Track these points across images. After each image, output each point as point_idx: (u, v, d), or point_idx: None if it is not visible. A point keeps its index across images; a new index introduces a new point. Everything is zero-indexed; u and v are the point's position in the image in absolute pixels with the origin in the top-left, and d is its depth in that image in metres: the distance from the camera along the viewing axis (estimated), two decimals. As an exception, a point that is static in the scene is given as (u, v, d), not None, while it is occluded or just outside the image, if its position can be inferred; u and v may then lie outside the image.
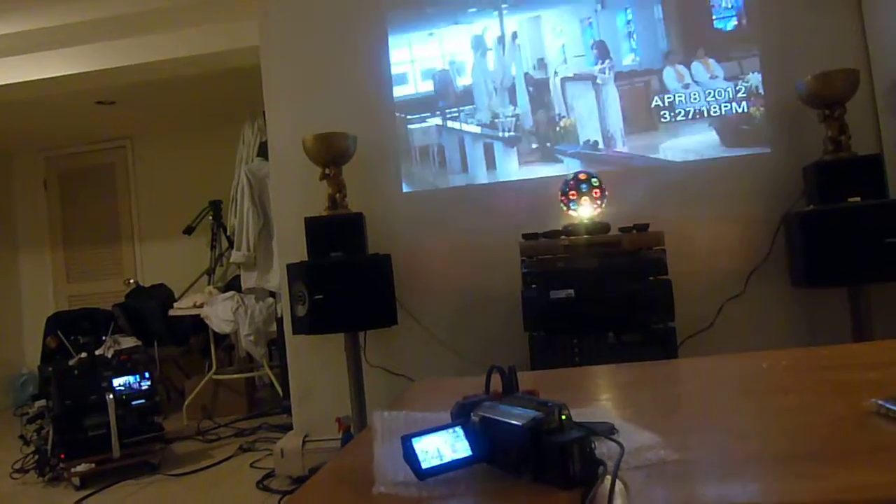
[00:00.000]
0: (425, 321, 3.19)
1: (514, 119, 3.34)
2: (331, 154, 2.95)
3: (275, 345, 4.61)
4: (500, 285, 3.06)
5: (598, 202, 2.75)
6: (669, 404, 1.29)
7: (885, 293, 2.76)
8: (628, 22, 3.31)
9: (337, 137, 2.97)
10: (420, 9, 3.40)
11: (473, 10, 3.40)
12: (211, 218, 5.26)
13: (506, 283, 2.99)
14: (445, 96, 3.41)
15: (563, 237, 2.65)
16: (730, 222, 3.04)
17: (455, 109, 3.39)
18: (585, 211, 2.74)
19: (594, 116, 3.29)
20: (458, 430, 0.95)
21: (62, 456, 3.30)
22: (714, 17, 3.26)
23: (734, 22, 3.26)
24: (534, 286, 2.60)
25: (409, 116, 3.40)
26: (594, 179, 2.77)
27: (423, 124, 3.39)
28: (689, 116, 3.19)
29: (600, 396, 1.35)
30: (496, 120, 3.35)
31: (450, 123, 3.39)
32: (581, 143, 3.27)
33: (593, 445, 0.87)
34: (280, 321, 4.37)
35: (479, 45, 3.40)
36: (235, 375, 4.69)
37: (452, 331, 3.17)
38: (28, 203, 6.36)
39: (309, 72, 3.39)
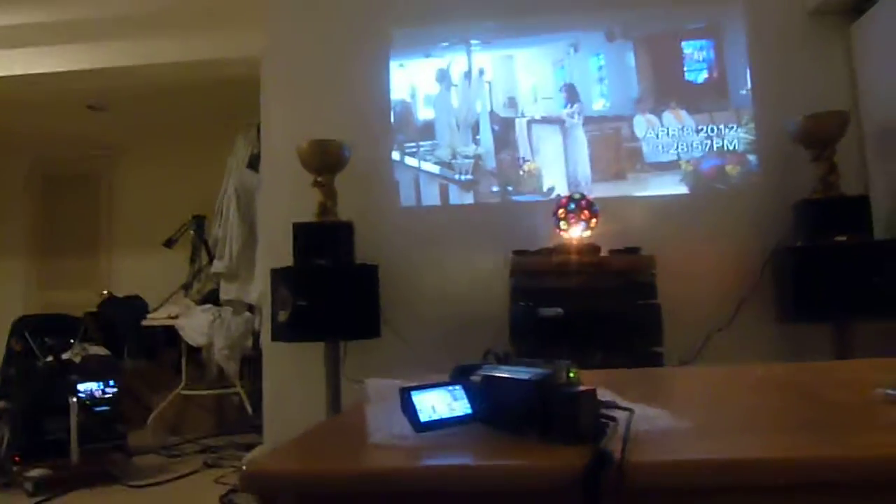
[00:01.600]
0: (408, 336, 3.13)
1: (472, 160, 3.26)
2: (324, 161, 2.94)
3: (248, 363, 4.49)
4: (486, 304, 3.03)
5: (590, 224, 2.75)
6: (670, 396, 1.25)
7: (869, 331, 2.77)
8: (600, 67, 3.29)
9: (332, 145, 2.96)
10: (424, 27, 3.37)
11: (445, 43, 3.36)
12: (193, 232, 5.18)
13: (492, 303, 2.96)
14: (405, 129, 3.34)
15: (553, 255, 2.64)
16: (719, 254, 3.06)
17: (413, 144, 3.32)
18: (577, 232, 2.74)
19: (560, 161, 3.23)
20: (459, 387, 0.92)
21: (16, 458, 3.14)
22: (685, 68, 3.27)
23: (705, 75, 3.27)
24: (521, 303, 2.57)
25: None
26: (587, 201, 2.77)
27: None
28: (660, 167, 3.16)
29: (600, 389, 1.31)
30: (454, 161, 3.27)
31: (407, 160, 3.31)
32: (545, 189, 3.20)
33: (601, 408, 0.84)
34: (256, 336, 4.27)
35: (443, 78, 3.35)
36: (205, 392, 4.55)
37: (435, 348, 3.10)
38: (6, 206, 6.22)
39: (308, 81, 3.40)
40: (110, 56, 3.99)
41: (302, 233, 2.89)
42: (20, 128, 5.50)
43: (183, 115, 5.29)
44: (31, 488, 3.08)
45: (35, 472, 3.10)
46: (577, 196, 2.77)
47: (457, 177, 3.27)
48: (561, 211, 2.77)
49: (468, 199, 3.27)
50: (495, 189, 3.25)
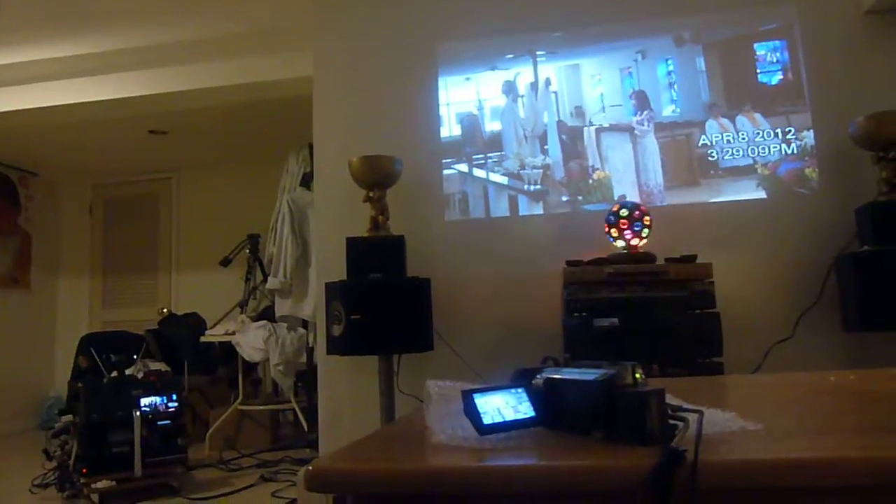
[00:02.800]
0: (461, 349, 3.12)
1: (541, 170, 3.24)
2: (376, 176, 2.97)
3: (302, 379, 4.55)
4: (539, 316, 3.00)
5: (644, 233, 2.71)
6: (739, 400, 1.22)
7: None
8: (669, 73, 3.25)
9: (383, 160, 2.99)
10: (489, 39, 3.39)
11: (510, 56, 3.37)
12: (248, 251, 5.30)
13: (545, 314, 2.93)
14: (472, 142, 3.34)
15: (607, 265, 2.60)
16: (778, 263, 2.96)
17: (481, 156, 3.31)
18: (630, 241, 2.70)
19: (630, 169, 3.18)
20: (521, 391, 0.91)
21: (84, 470, 3.25)
22: (758, 70, 3.20)
23: (779, 76, 3.19)
24: (576, 314, 2.53)
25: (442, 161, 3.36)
26: (640, 210, 2.73)
27: (449, 171, 3.33)
28: (735, 172, 3.09)
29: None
30: (522, 171, 3.26)
31: (476, 171, 3.31)
32: (615, 197, 3.14)
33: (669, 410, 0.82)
34: (310, 352, 4.33)
35: (510, 90, 3.35)
36: (261, 406, 4.62)
37: (488, 361, 3.09)
38: (72, 229, 6.50)
39: (359, 99, 3.45)
40: (170, 81, 4.14)
41: (355, 248, 2.92)
42: (84, 153, 5.74)
43: (237, 136, 5.44)
44: (96, 500, 3.17)
45: (101, 485, 3.20)
46: (615, 207, 2.74)
47: (526, 187, 3.25)
48: (606, 225, 2.75)
49: (538, 209, 3.25)
50: (565, 199, 3.22)
